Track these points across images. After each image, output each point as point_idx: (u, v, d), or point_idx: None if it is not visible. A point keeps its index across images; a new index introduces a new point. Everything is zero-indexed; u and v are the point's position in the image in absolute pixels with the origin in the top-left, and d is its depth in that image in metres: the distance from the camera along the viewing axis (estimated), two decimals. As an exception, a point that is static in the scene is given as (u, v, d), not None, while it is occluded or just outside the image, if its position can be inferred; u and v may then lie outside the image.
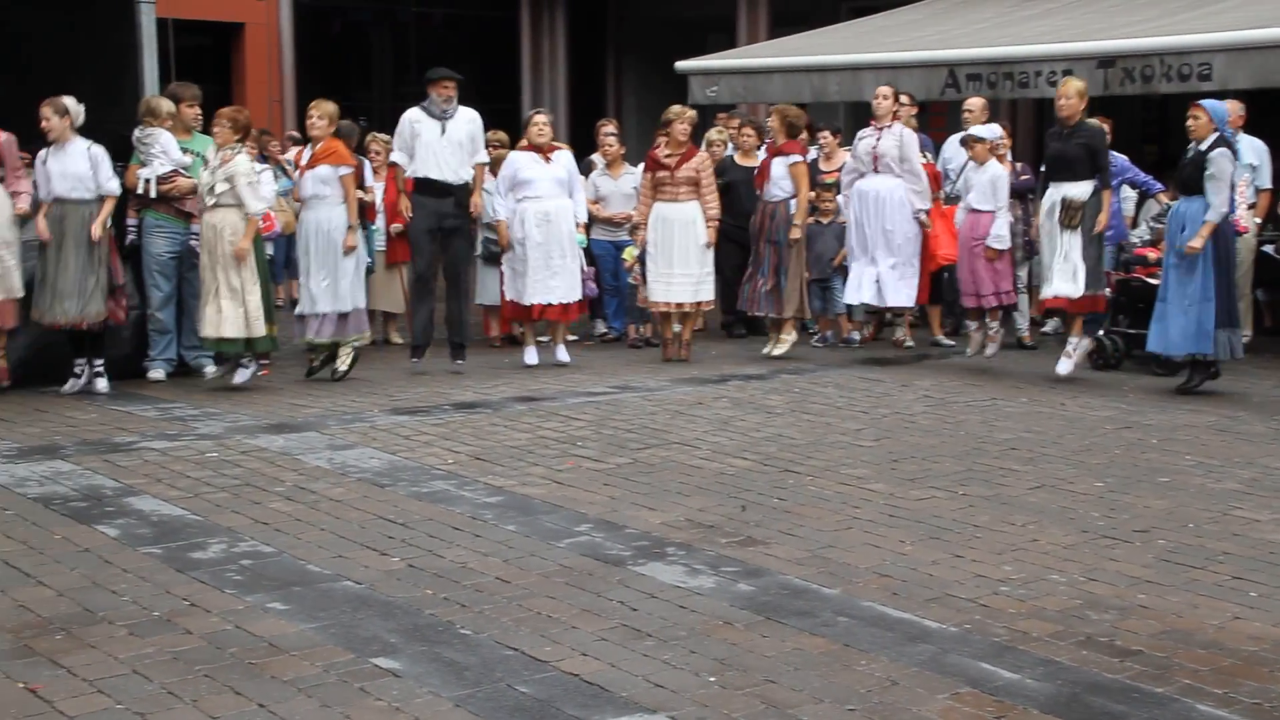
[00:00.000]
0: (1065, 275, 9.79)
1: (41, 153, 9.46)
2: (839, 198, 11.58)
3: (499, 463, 7.52)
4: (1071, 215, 9.76)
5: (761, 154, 12.10)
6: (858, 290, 11.10)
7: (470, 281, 11.16)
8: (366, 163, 11.54)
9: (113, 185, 9.48)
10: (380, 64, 21.07)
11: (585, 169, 12.38)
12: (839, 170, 11.87)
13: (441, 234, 10.35)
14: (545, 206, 10.59)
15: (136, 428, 8.41)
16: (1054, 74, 12.38)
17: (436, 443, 8.01)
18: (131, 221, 9.98)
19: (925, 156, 11.78)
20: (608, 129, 12.29)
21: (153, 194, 9.82)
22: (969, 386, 9.95)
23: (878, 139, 10.97)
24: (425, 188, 10.26)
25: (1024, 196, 11.18)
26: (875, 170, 10.97)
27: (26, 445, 7.89)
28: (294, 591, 5.35)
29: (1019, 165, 11.58)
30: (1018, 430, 8.42)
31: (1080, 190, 9.81)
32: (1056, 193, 9.89)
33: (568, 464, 7.51)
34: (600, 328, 12.38)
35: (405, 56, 21.07)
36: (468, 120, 10.41)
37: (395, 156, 10.46)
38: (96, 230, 9.33)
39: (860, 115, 15.84)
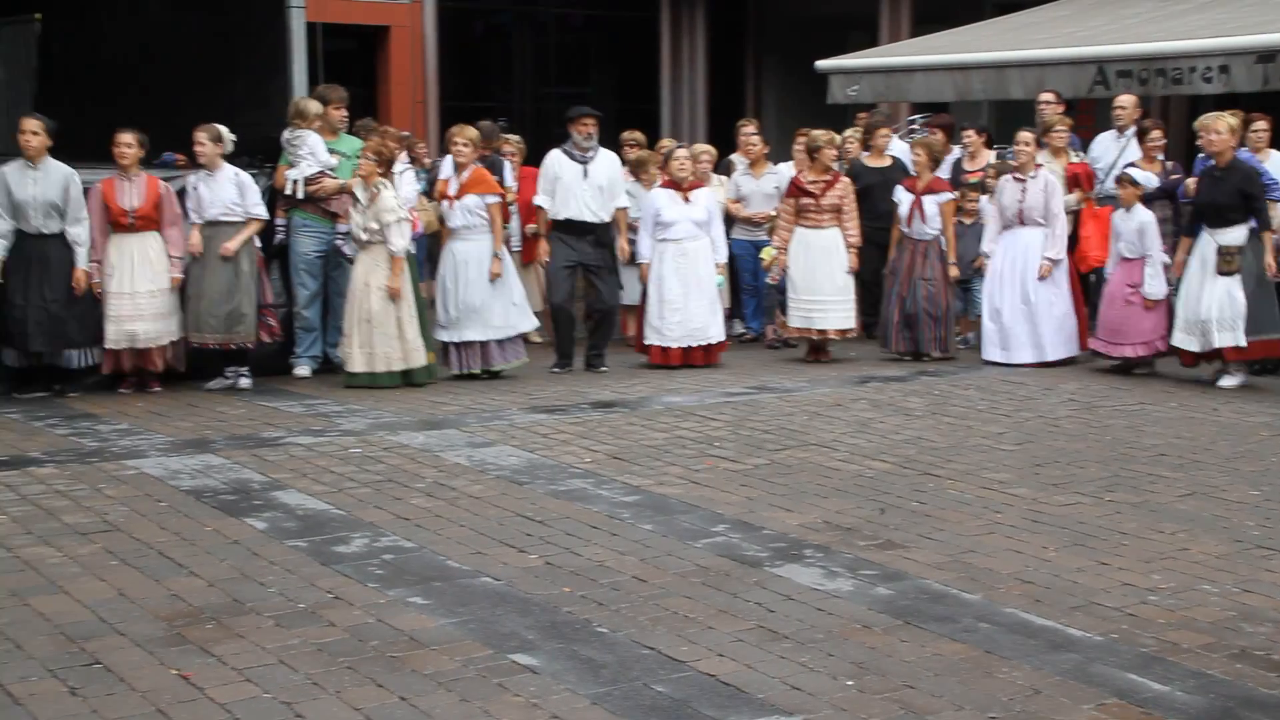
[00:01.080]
0: (1227, 325, 9.52)
1: (192, 177, 9.71)
2: (981, 199, 11.39)
3: (636, 462, 7.53)
4: (1229, 261, 9.52)
5: (891, 150, 12.00)
6: (1003, 349, 10.67)
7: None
8: (506, 163, 11.66)
9: (259, 210, 9.69)
10: (520, 65, 21.26)
11: (725, 169, 12.38)
12: (982, 170, 11.69)
13: (585, 271, 10.57)
14: (684, 248, 10.63)
15: (283, 423, 8.60)
16: (1209, 70, 12.03)
17: (574, 441, 8.05)
18: (280, 221, 10.21)
19: (1078, 156, 11.52)
20: (749, 129, 12.27)
21: (300, 195, 10.03)
22: (1116, 390, 9.71)
23: (1024, 191, 10.61)
24: (565, 228, 10.48)
25: (1174, 196, 10.88)
26: (1020, 223, 10.64)
27: (179, 439, 8.11)
28: (434, 586, 5.42)
29: (1169, 164, 11.25)
30: (1167, 436, 8.20)
31: (1235, 236, 9.57)
32: (1211, 240, 9.63)
33: (705, 464, 7.50)
34: (738, 328, 12.35)
35: (545, 57, 21.23)
36: (608, 163, 10.61)
37: (539, 200, 10.62)
38: (231, 246, 9.49)
39: (1004, 114, 15.62)
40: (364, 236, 9.58)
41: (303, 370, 10.24)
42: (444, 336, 10.11)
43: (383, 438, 8.13)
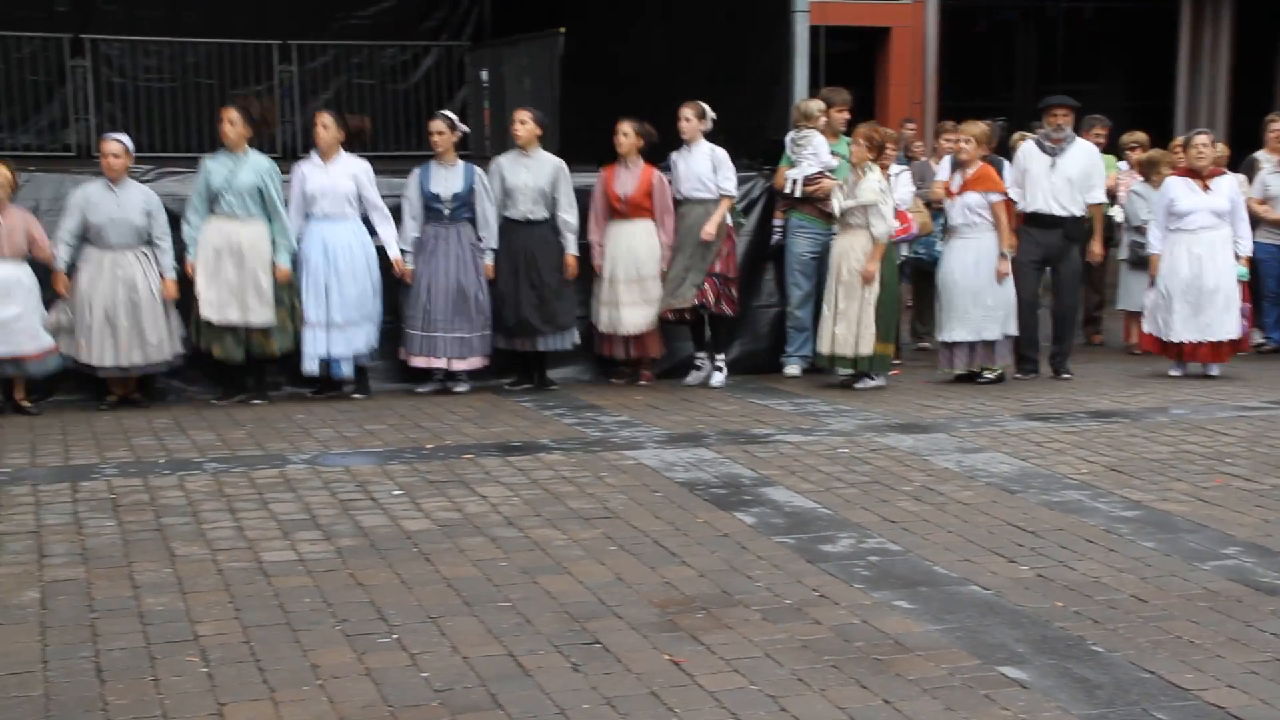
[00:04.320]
0: None
1: (672, 155, 10.01)
2: None
3: (1137, 475, 7.14)
4: None
5: None
6: None
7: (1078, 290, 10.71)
8: (1005, 164, 11.37)
9: (729, 186, 9.83)
10: (1024, 63, 20.69)
11: (1249, 168, 11.57)
12: None
13: (1050, 265, 10.28)
14: (1200, 238, 9.99)
15: (773, 421, 8.74)
16: None
17: (1069, 451, 7.74)
18: (777, 222, 10.40)
19: None
20: (1278, 124, 11.41)
21: (798, 194, 10.17)
22: None
23: None
24: (1033, 220, 10.23)
25: None
26: None
27: (674, 433, 8.40)
28: (920, 591, 5.34)
29: None
30: None
31: None
32: None
33: (1215, 481, 7.01)
34: (1257, 338, 11.50)
35: (1051, 54, 20.57)
36: (1082, 154, 10.22)
37: (1010, 191, 10.32)
38: (710, 229, 9.66)
39: None
40: (844, 220, 9.56)
41: (793, 369, 10.38)
42: (939, 335, 9.98)
43: (870, 439, 8.11)
